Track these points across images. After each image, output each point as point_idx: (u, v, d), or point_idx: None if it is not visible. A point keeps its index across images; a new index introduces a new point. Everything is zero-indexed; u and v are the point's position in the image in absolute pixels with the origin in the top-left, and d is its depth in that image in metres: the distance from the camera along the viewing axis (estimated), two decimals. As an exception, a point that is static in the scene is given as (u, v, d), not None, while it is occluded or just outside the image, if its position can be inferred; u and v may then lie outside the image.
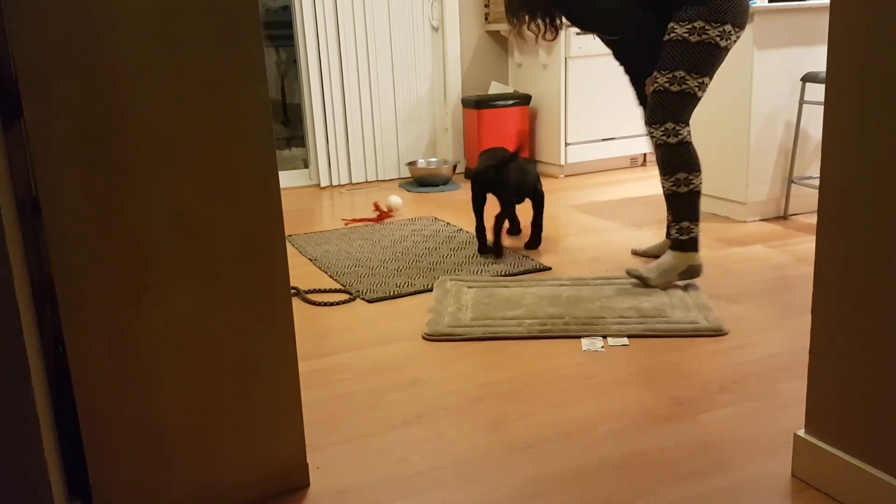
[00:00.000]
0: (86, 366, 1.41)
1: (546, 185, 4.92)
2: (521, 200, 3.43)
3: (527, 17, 2.95)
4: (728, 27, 2.65)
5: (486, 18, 5.33)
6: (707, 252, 3.27)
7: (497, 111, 5.03)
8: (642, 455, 1.75)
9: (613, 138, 5.13)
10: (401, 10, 5.07)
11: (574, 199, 4.42)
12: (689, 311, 2.60)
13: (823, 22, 3.62)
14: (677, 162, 2.76)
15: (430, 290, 2.92)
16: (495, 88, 5.33)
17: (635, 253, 3.29)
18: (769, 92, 3.62)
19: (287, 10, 5.09)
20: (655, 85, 2.76)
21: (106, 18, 1.30)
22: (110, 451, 1.46)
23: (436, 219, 4.04)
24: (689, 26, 2.65)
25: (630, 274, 2.87)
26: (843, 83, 1.43)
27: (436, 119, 5.35)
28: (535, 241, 3.43)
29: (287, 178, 5.12)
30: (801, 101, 3.61)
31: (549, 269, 3.11)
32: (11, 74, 1.54)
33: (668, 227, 3.03)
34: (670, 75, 2.70)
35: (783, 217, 3.81)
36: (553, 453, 1.77)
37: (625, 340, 2.41)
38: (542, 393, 2.07)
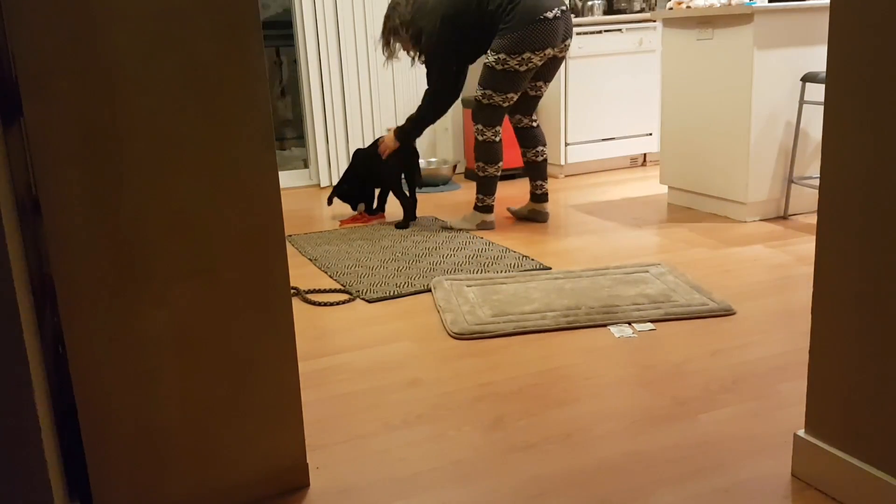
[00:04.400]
0: (86, 366, 1.41)
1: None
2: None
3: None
4: (527, 54, 3.43)
5: (485, 18, 5.34)
6: (707, 252, 3.28)
7: (497, 111, 5.03)
8: (642, 455, 1.75)
9: (613, 138, 5.13)
10: (401, 10, 5.06)
11: (574, 199, 4.42)
12: (691, 294, 2.71)
13: (823, 22, 3.62)
14: (480, 153, 3.70)
15: (430, 290, 2.92)
16: (495, 88, 5.32)
17: (510, 211, 4.03)
18: (769, 92, 3.63)
19: (287, 10, 5.09)
20: (475, 93, 3.63)
21: (106, 18, 1.30)
22: (110, 451, 1.46)
23: (436, 219, 4.04)
24: (495, 57, 3.48)
25: (442, 225, 3.84)
26: (843, 83, 1.43)
27: (436, 119, 5.34)
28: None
29: (287, 178, 5.12)
30: (801, 101, 3.61)
31: (549, 268, 3.12)
32: (11, 74, 1.54)
33: (531, 193, 3.90)
34: (482, 92, 3.60)
35: (783, 217, 3.82)
36: (553, 453, 1.77)
37: (650, 325, 2.48)
38: (542, 393, 2.07)
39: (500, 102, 3.57)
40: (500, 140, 3.68)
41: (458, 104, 5.33)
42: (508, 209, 4.05)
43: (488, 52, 3.51)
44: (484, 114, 3.61)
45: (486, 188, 3.75)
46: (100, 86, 1.32)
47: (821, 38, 3.64)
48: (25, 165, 1.67)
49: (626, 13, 5.39)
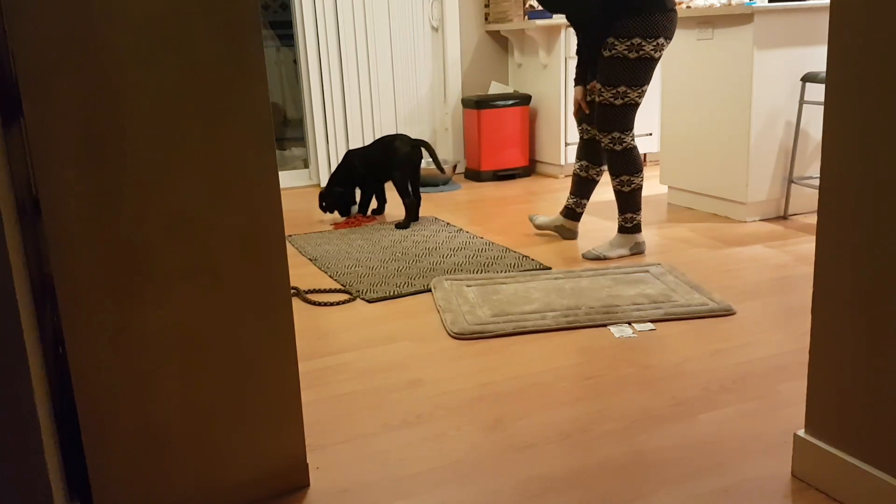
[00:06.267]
0: (86, 366, 1.41)
1: (546, 184, 4.93)
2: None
3: None
4: (661, 40, 3.03)
5: (486, 18, 5.33)
6: (707, 252, 3.27)
7: (497, 111, 5.03)
8: (642, 455, 1.75)
9: (613, 138, 5.12)
10: (401, 10, 5.07)
11: (574, 199, 4.41)
12: (691, 294, 2.72)
13: (823, 22, 3.62)
14: (621, 166, 3.21)
15: (430, 290, 2.92)
16: (495, 88, 5.33)
17: (534, 222, 3.66)
18: (769, 92, 3.62)
19: (287, 9, 5.09)
20: (601, 98, 3.13)
21: (106, 18, 1.30)
22: (110, 451, 1.46)
23: (436, 219, 4.04)
24: (628, 43, 3.00)
25: (588, 257, 3.27)
26: (843, 83, 1.43)
27: (436, 119, 5.35)
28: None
29: (287, 178, 5.12)
30: (801, 101, 3.61)
31: (549, 268, 3.12)
32: (11, 74, 1.54)
33: (568, 207, 3.54)
34: (614, 91, 3.09)
35: (783, 217, 3.82)
36: (553, 453, 1.77)
37: (650, 325, 2.48)
38: (542, 393, 2.07)
39: (636, 98, 3.10)
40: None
41: (457, 104, 5.33)
42: (531, 219, 3.67)
43: (613, 39, 3.03)
44: (619, 117, 3.12)
45: (632, 204, 3.26)
46: (100, 86, 1.32)
47: (821, 38, 3.64)
48: (25, 165, 1.67)
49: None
